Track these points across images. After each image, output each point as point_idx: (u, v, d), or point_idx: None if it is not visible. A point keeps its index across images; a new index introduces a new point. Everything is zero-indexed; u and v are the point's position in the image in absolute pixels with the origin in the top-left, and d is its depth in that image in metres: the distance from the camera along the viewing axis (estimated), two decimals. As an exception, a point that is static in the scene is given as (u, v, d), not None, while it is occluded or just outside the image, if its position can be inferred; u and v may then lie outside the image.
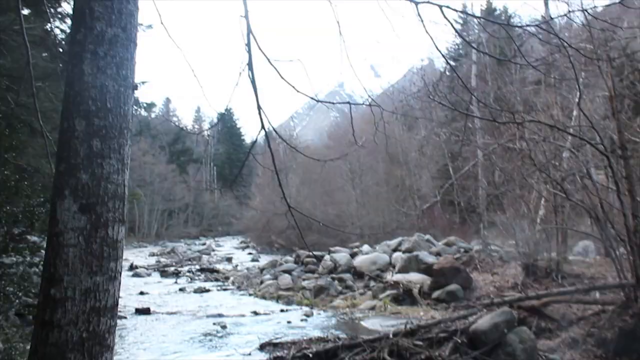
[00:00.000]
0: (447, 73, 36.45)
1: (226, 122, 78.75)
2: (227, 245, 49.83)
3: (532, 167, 12.45)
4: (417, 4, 4.14)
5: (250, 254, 40.14)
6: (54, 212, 2.13)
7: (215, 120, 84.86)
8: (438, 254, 19.14)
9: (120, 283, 2.29)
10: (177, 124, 79.15)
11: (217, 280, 24.43)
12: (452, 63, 34.74)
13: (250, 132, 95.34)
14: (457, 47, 34.61)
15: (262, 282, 20.73)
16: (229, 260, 34.66)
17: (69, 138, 2.12)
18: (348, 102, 4.77)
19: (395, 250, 20.90)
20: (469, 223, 26.40)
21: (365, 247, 22.96)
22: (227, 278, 24.57)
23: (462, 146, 20.83)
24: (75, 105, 2.13)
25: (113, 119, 2.20)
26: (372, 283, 18.22)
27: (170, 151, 69.33)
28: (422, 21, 4.49)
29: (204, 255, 37.23)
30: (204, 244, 49.09)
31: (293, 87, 4.89)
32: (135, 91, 2.38)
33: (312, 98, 4.93)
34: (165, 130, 70.18)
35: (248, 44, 4.99)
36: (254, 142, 5.71)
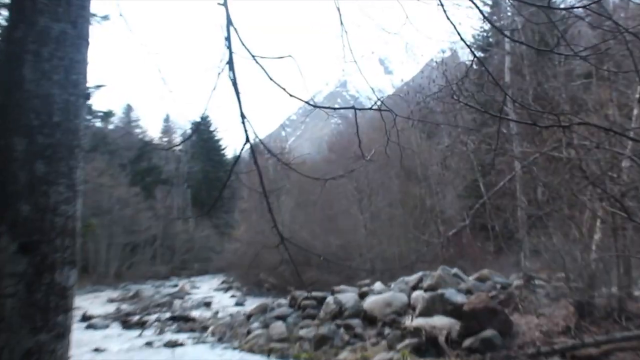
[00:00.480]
0: (475, 66, 36.55)
1: (202, 134, 79.06)
2: (205, 287, 49.58)
3: (584, 181, 12.46)
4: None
5: (233, 296, 39.98)
6: (-13, 254, 2.11)
7: (189, 132, 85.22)
8: (469, 292, 19.06)
9: (70, 342, 2.26)
10: (141, 136, 79.21)
11: (192, 330, 24.29)
12: (479, 54, 34.97)
13: (232, 145, 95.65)
14: (485, 34, 34.83)
15: (249, 332, 20.64)
16: (208, 305, 34.48)
17: (6, 160, 2.11)
18: (353, 107, 4.77)
19: (415, 288, 20.82)
20: (506, 252, 26.33)
21: (378, 285, 22.88)
22: (205, 328, 24.44)
23: (495, 157, 20.78)
24: (13, 119, 2.12)
25: (61, 135, 2.19)
26: (386, 330, 18.14)
27: (133, 170, 69.34)
28: (442, 4, 4.51)
29: (176, 300, 37.02)
30: (176, 286, 48.90)
31: (284, 89, 4.88)
32: (88, 100, 2.37)
33: (307, 103, 4.94)
34: (126, 145, 70.20)
35: (228, 38, 5.01)
36: (237, 158, 5.72)
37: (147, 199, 64.51)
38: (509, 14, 24.77)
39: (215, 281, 55.05)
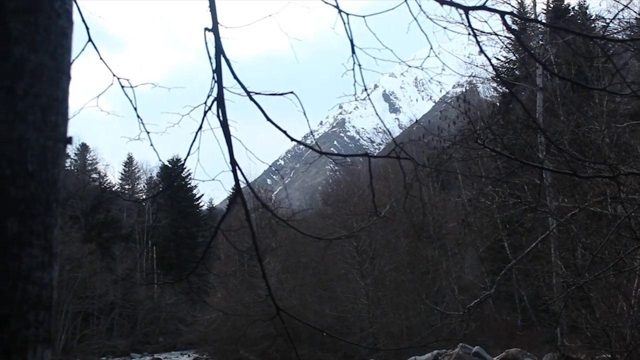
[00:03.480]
0: (496, 104, 36.91)
1: (170, 178, 79.02)
2: (173, 366, 49.24)
3: (634, 242, 12.46)
4: (467, 10, 4.22)
5: (207, 378, 39.64)
6: (-54, 329, 2.08)
7: (155, 175, 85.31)
8: (494, 376, 18.97)
9: None
10: (98, 183, 79.11)
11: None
12: (504, 90, 35.31)
13: (208, 193, 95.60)
14: (510, 66, 35.22)
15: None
16: (176, 388, 34.18)
17: (-29, 217, 2.10)
18: (367, 155, 4.80)
19: (428, 370, 20.72)
20: (538, 327, 26.25)
21: (384, 366, 22.74)
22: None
23: (525, 212, 20.84)
24: (-20, 168, 2.12)
25: (37, 187, 2.18)
26: (395, 421, 17.98)
27: (88, 224, 69.25)
28: (473, 33, 4.56)
29: (138, 382, 36.72)
30: (138, 365, 48.50)
31: (285, 132, 4.90)
32: (69, 145, 2.39)
33: (313, 149, 4.97)
34: (80, 193, 70.21)
35: (217, 70, 5.06)
36: (228, 211, 5.74)
37: (104, 257, 64.17)
38: (540, 42, 25.12)
39: (184, 359, 54.57)
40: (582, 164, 12.42)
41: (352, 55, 5.13)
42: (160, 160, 5.70)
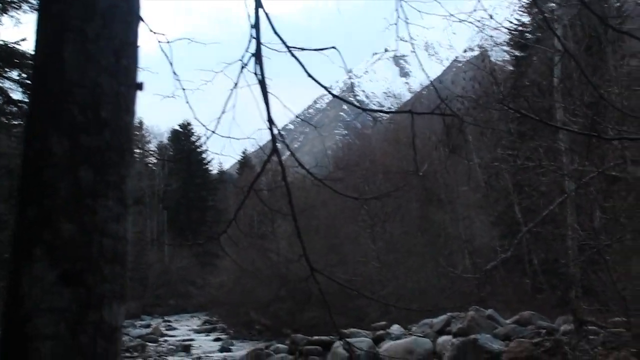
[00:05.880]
0: (510, 67, 36.60)
1: (182, 144, 78.89)
2: (184, 328, 49.37)
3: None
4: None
5: (218, 339, 39.74)
6: (18, 283, 1.99)
7: (166, 140, 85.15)
8: (507, 338, 18.95)
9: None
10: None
11: (171, 380, 24.12)
12: (517, 54, 35.00)
13: (218, 158, 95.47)
14: (521, 30, 34.78)
15: (241, 383, 20.49)
16: (187, 349, 34.28)
17: (43, 167, 1.99)
18: (410, 111, 4.66)
19: (441, 332, 20.71)
20: (549, 291, 26.21)
21: (396, 329, 22.73)
22: (186, 377, 24.27)
23: (539, 176, 20.71)
24: (51, 114, 2.01)
25: (111, 135, 2.07)
26: (408, 382, 18.01)
27: (98, 187, 69.23)
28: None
29: (149, 344, 36.82)
30: (149, 326, 48.59)
31: (328, 90, 4.77)
32: (140, 91, 2.27)
33: (358, 107, 4.82)
34: (133, 160, 70.17)
35: (256, 24, 4.91)
36: (262, 171, 5.62)
37: (114, 221, 64.34)
38: (554, 4, 24.77)
39: (195, 321, 54.78)
40: (603, 127, 12.28)
41: (398, 9, 4.96)
42: (195, 118, 5.53)
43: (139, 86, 2.26)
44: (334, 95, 4.91)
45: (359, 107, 5.03)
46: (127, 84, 2.17)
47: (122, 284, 2.12)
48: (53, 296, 1.95)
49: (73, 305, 1.96)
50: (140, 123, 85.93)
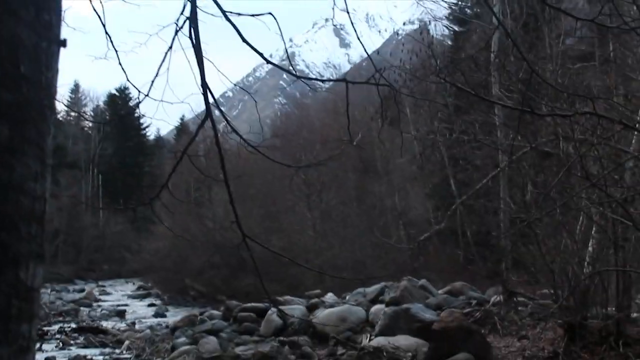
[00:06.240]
0: (449, 42, 36.87)
1: (118, 109, 77.84)
2: (118, 293, 49.24)
3: (583, 182, 12.56)
4: None
5: (153, 305, 39.66)
6: None
7: (102, 104, 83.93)
8: (438, 308, 19.18)
9: (34, 356, 2.10)
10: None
11: (104, 345, 23.96)
12: (457, 28, 35.23)
13: (156, 123, 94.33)
14: (462, 4, 35.04)
15: (173, 348, 20.37)
16: (121, 315, 34.12)
17: (-42, 121, 1.93)
18: (344, 80, 4.65)
19: (374, 301, 20.88)
20: (481, 263, 26.62)
21: (330, 297, 22.89)
22: (119, 342, 24.10)
23: (473, 149, 20.96)
24: (-32, 68, 1.94)
25: (30, 90, 2.00)
26: (340, 350, 18.11)
27: (32, 150, 68.03)
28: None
29: (82, 308, 36.56)
30: (83, 291, 48.28)
31: (262, 55, 4.72)
32: (63, 47, 2.20)
33: (295, 75, 4.79)
34: (55, 118, 68.95)
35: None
36: (195, 135, 5.56)
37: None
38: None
39: (129, 286, 54.68)
40: (538, 102, 12.43)
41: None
42: (128, 80, 5.44)
43: (63, 43, 2.19)
44: (267, 62, 4.86)
45: (293, 75, 5.01)
46: (48, 39, 2.10)
47: (40, 244, 2.07)
48: (-34, 255, 1.90)
49: (-13, 264, 1.92)
50: (77, 86, 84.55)
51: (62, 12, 2.21)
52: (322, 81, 5.50)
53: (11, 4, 1.98)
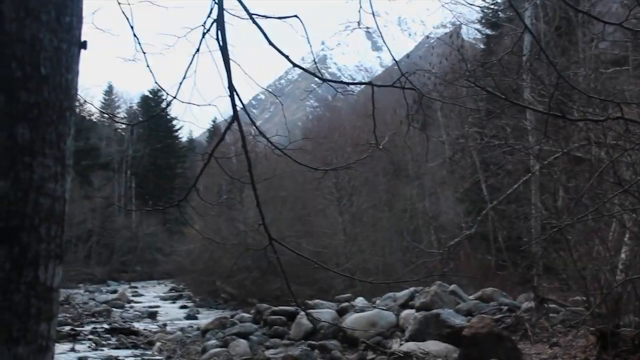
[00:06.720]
0: (482, 46, 36.70)
1: (151, 111, 78.35)
2: (150, 294, 49.39)
3: (615, 188, 12.43)
4: None
5: (184, 307, 39.79)
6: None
7: (135, 105, 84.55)
8: (469, 314, 19.08)
9: (53, 356, 2.12)
10: (77, 110, 77.92)
11: (135, 346, 24.09)
12: (489, 32, 35.05)
13: (188, 125, 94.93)
14: (497, 7, 34.86)
15: (204, 351, 20.47)
16: (153, 316, 34.28)
17: (-22, 122, 1.95)
18: (370, 83, 4.64)
19: (404, 306, 20.79)
20: (512, 268, 26.43)
21: (360, 301, 22.84)
22: (151, 343, 24.24)
23: (505, 154, 20.82)
24: (-12, 69, 1.96)
25: (50, 92, 2.03)
26: (370, 354, 18.10)
27: (67, 152, 68.53)
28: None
29: (115, 309, 36.76)
30: (115, 292, 48.52)
31: (287, 57, 4.72)
32: (84, 49, 2.22)
33: (317, 76, 4.79)
34: (75, 119, 69.57)
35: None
36: (222, 139, 5.58)
37: (82, 186, 63.90)
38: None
39: (161, 288, 54.86)
40: (570, 107, 12.34)
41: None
42: (156, 82, 5.46)
43: (83, 45, 2.21)
44: (294, 64, 4.87)
45: (319, 78, 4.99)
46: (69, 41, 2.12)
47: (59, 245, 2.09)
48: (-15, 255, 1.92)
49: (6, 264, 1.93)
50: (110, 87, 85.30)
51: (83, 14, 2.23)
52: (347, 84, 5.48)
53: (32, 7, 2.00)
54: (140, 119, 72.82)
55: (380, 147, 5.45)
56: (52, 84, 2.06)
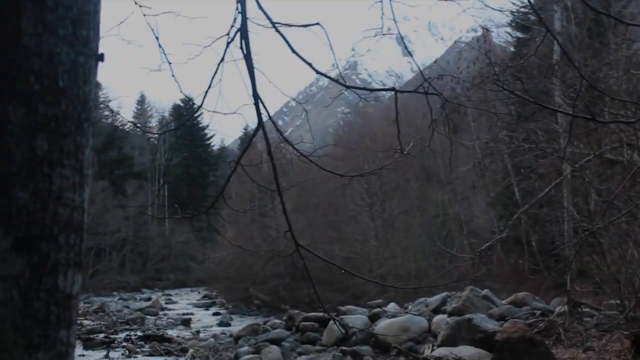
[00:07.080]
0: (512, 49, 36.54)
1: (182, 118, 78.80)
2: (183, 301, 49.70)
3: (648, 190, 12.35)
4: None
5: (217, 314, 40.02)
6: (-28, 251, 2.00)
7: (167, 114, 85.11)
8: (501, 318, 18.97)
9: (73, 363, 2.16)
10: (110, 120, 78.44)
11: (169, 353, 24.28)
12: (518, 35, 34.86)
13: (219, 134, 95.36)
14: (524, 11, 34.66)
15: (237, 357, 20.56)
16: (186, 323, 34.52)
17: (-1, 134, 2.00)
18: (393, 89, 4.66)
19: (436, 311, 20.74)
20: (546, 272, 26.26)
21: (392, 307, 22.80)
22: (184, 350, 24.41)
23: (537, 158, 20.70)
24: (8, 82, 2.01)
25: (68, 105, 2.07)
26: (402, 359, 18.09)
27: (101, 161, 69.31)
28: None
29: (148, 317, 37.08)
30: (149, 299, 48.88)
31: (311, 65, 4.75)
32: (101, 62, 2.27)
33: (339, 83, 4.82)
34: (93, 130, 70.22)
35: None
36: (248, 147, 5.62)
37: (115, 195, 64.45)
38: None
39: (194, 295, 55.13)
40: (601, 110, 12.25)
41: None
42: (181, 91, 5.53)
43: (100, 57, 2.26)
44: (317, 72, 4.89)
45: (342, 84, 5.01)
46: (86, 54, 2.17)
47: (77, 253, 2.13)
48: (6, 263, 1.96)
49: (26, 272, 1.97)
50: (142, 97, 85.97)
51: (100, 28, 2.27)
52: (370, 90, 5.50)
53: (50, 21, 2.05)
54: (172, 127, 73.26)
55: (405, 152, 5.46)
56: (70, 97, 2.10)
